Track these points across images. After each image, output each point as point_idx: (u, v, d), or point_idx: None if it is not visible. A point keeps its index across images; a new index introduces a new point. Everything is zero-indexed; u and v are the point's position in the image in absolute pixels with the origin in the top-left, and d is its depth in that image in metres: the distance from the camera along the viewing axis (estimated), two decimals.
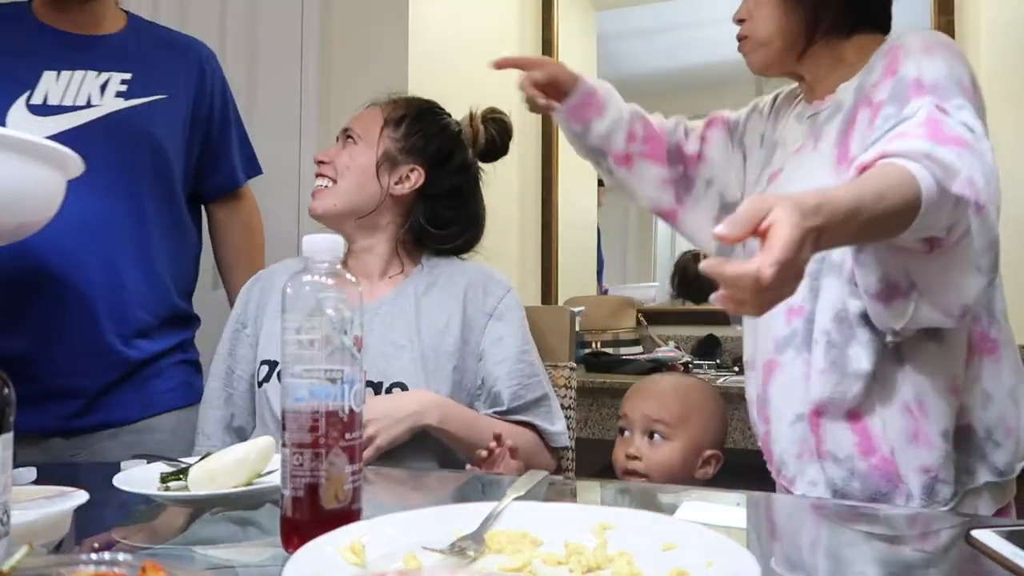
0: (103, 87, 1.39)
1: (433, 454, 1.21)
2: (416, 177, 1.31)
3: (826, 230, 0.71)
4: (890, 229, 0.81)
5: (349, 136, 1.32)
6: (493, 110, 1.42)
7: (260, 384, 1.28)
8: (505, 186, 2.68)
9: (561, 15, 2.89)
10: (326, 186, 1.30)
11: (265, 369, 1.28)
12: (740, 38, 1.14)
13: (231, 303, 1.58)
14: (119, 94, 1.39)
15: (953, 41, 1.02)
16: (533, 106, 1.26)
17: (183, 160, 1.47)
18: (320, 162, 1.32)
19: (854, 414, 1.01)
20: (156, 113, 1.41)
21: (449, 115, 1.39)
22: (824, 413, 1.02)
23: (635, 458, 1.27)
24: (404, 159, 1.30)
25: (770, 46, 1.10)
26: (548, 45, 2.88)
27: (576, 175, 3.00)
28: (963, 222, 0.83)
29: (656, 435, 1.27)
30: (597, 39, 3.14)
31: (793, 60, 1.11)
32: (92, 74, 1.39)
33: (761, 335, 1.12)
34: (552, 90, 1.24)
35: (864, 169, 0.84)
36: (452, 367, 1.24)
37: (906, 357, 0.99)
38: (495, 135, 1.39)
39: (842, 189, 0.78)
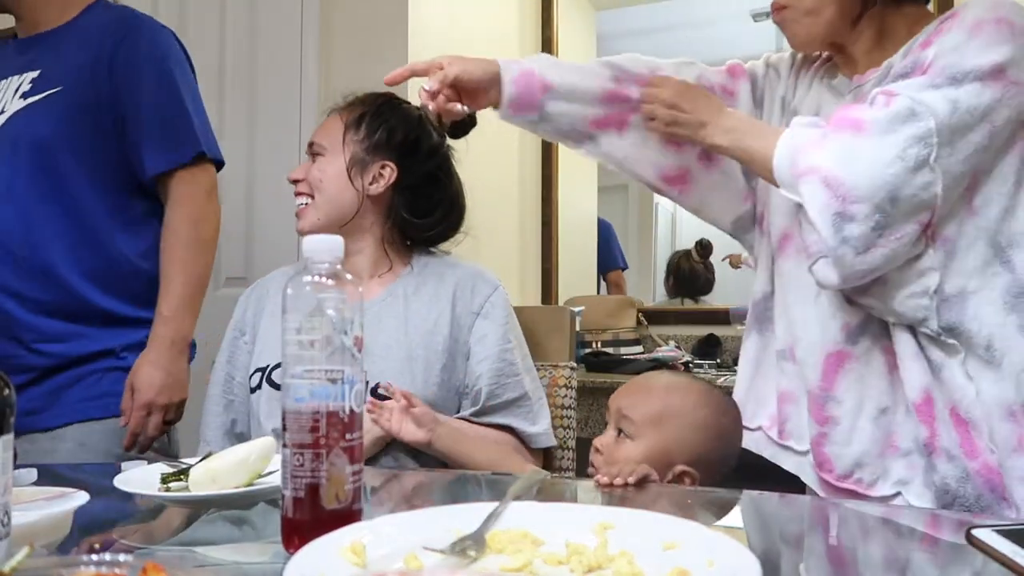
0: (16, 90, 1.36)
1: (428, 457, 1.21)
2: (389, 173, 1.29)
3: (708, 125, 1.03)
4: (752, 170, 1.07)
5: (315, 150, 1.31)
6: None
7: (252, 391, 1.28)
8: (505, 186, 2.69)
9: (561, 15, 2.89)
10: (306, 203, 1.30)
11: (258, 377, 1.27)
12: (778, 8, 1.05)
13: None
14: (23, 95, 1.35)
15: (1020, 12, 0.93)
16: (439, 118, 1.11)
17: (90, 149, 1.35)
18: (294, 181, 1.31)
19: (955, 411, 0.95)
20: (45, 109, 1.33)
21: (407, 103, 1.37)
22: (934, 402, 0.96)
23: (598, 451, 1.14)
24: (372, 158, 1.29)
25: (819, 15, 1.02)
26: (548, 45, 2.89)
27: (576, 175, 3.00)
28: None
29: (622, 431, 1.12)
30: (597, 39, 3.14)
31: (845, 30, 1.04)
32: (15, 79, 1.37)
33: (824, 323, 1.02)
34: (460, 92, 1.11)
35: None
36: (440, 366, 1.24)
37: (1000, 357, 0.94)
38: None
39: (746, 122, 1.05)
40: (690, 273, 3.04)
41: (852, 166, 0.88)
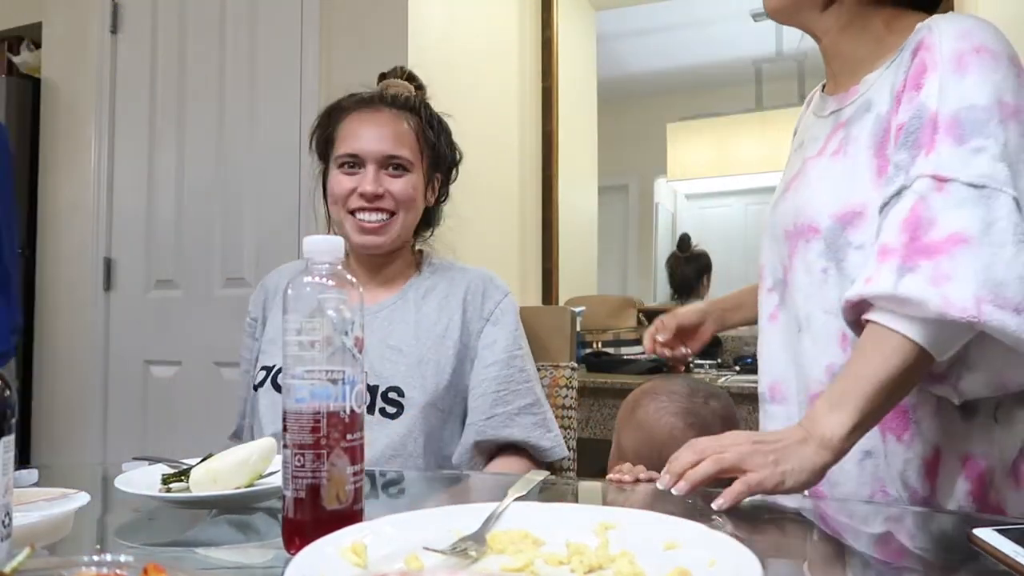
0: None
1: (430, 457, 1.21)
2: (437, 184, 1.33)
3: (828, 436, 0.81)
4: (914, 384, 0.85)
5: (402, 163, 1.25)
6: (403, 70, 1.39)
7: (256, 387, 1.28)
8: (506, 187, 2.69)
9: (561, 15, 2.90)
10: (384, 220, 1.24)
11: (263, 375, 1.28)
12: None
13: None
14: None
15: (991, 32, 0.89)
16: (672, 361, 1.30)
17: None
18: (376, 196, 1.23)
19: (970, 460, 0.91)
20: None
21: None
22: (942, 458, 0.92)
23: None
24: (432, 172, 1.31)
25: None
26: (548, 45, 2.89)
27: (577, 175, 3.01)
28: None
29: None
30: (597, 39, 3.15)
31: (814, 8, 0.99)
32: None
33: (808, 365, 0.99)
34: (681, 336, 1.28)
35: (849, 307, 0.86)
36: (451, 371, 1.24)
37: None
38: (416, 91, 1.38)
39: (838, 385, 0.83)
40: (682, 278, 3.05)
41: (998, 278, 0.78)
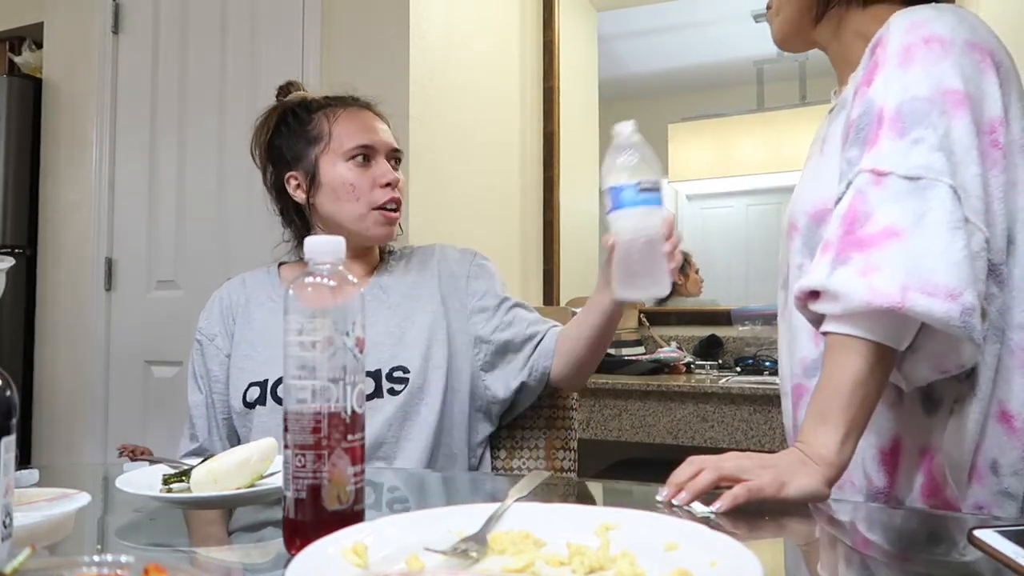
0: None
1: (431, 455, 1.21)
2: None
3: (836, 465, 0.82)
4: (886, 377, 0.85)
5: (399, 156, 1.32)
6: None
7: (250, 406, 1.25)
8: (507, 187, 2.69)
9: (562, 15, 2.90)
10: (395, 209, 1.29)
11: (256, 391, 1.25)
12: (768, 7, 1.09)
13: None
14: None
15: (949, 22, 0.87)
16: None
17: None
18: (397, 182, 1.29)
19: (928, 453, 0.91)
20: None
21: None
22: (902, 450, 0.93)
23: None
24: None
25: (784, 12, 1.05)
26: (549, 46, 2.89)
27: (578, 176, 3.00)
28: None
29: None
30: (598, 39, 3.15)
31: (809, 28, 1.04)
32: None
33: (791, 356, 1.03)
34: None
35: (800, 303, 0.87)
36: (441, 343, 1.26)
37: (978, 390, 0.88)
38: None
39: (826, 434, 0.82)
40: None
41: (927, 266, 0.78)
